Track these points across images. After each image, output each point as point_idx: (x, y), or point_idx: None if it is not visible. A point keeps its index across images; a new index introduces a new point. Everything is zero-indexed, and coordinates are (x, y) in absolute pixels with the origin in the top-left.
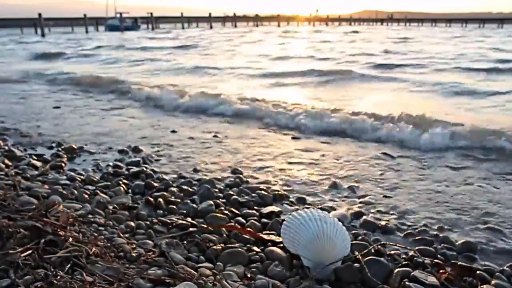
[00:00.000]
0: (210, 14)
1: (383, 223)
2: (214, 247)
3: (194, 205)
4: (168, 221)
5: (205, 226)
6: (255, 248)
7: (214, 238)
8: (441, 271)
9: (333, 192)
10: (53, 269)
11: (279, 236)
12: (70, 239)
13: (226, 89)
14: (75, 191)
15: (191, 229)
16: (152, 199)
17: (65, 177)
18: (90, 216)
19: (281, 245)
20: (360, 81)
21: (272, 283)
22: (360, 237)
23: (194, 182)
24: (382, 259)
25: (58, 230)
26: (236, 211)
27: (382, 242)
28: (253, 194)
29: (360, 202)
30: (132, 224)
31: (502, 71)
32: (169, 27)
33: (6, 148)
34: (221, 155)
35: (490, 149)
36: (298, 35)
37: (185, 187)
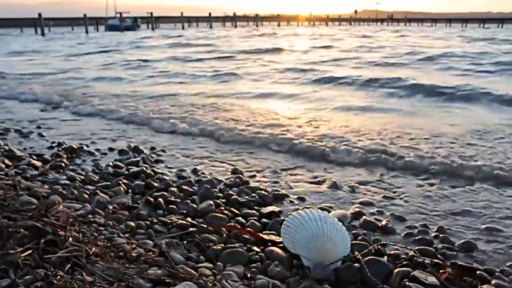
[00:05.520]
0: (210, 14)
1: (383, 223)
2: (214, 247)
3: (194, 205)
4: (168, 221)
5: (205, 226)
6: (255, 248)
7: (214, 238)
8: (441, 271)
9: (333, 192)
10: (53, 269)
11: (279, 236)
12: (70, 239)
13: None
14: (75, 191)
15: (191, 229)
16: (152, 199)
17: (65, 177)
18: (90, 216)
19: (281, 245)
20: None
21: (272, 283)
22: (360, 237)
23: (194, 182)
24: (382, 259)
25: (58, 230)
26: (236, 211)
27: (382, 242)
28: (253, 194)
29: (360, 202)
30: (132, 224)
31: None
32: (169, 27)
33: (6, 148)
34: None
35: None
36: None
37: (185, 187)
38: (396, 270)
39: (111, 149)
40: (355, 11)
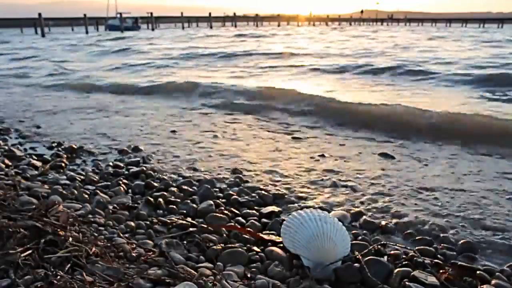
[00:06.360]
0: (210, 14)
1: (383, 223)
2: (214, 247)
3: (194, 205)
4: (168, 221)
5: (205, 226)
6: (255, 248)
7: (214, 238)
8: (441, 271)
9: (333, 192)
10: (53, 269)
11: (279, 236)
12: (70, 239)
13: None
14: (75, 191)
15: (191, 229)
16: (152, 199)
17: (65, 177)
18: (90, 216)
19: (281, 245)
20: None
21: (272, 283)
22: (360, 237)
23: (194, 182)
24: (382, 259)
25: (58, 230)
26: (236, 211)
27: (382, 242)
28: (253, 194)
29: (360, 202)
30: (132, 224)
31: None
32: (169, 27)
33: (6, 148)
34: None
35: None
36: None
37: (185, 187)
38: (396, 270)
39: (111, 149)
40: (362, 11)
